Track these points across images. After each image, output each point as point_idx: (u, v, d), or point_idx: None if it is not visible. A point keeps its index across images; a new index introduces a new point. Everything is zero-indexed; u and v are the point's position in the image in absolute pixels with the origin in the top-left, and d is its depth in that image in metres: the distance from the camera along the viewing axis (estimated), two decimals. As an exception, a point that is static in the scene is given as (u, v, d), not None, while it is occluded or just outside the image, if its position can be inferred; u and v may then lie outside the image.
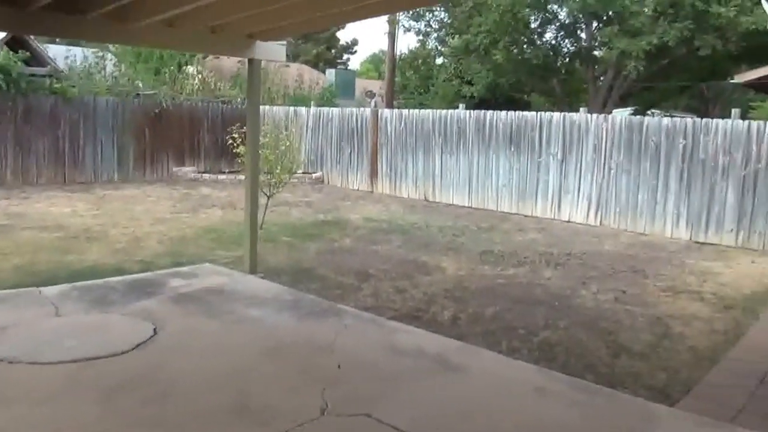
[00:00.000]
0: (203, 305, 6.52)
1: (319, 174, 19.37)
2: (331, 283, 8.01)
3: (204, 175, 19.18)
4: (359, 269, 8.77)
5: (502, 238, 11.81)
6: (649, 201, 12.92)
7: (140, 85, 20.90)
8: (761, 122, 11.82)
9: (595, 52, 25.39)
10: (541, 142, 14.51)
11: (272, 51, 7.91)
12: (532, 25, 24.31)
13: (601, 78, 25.96)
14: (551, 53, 25.34)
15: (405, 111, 17.72)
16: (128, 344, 5.23)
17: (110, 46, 22.15)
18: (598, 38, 23.88)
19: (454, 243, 11.11)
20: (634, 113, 25.60)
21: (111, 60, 21.99)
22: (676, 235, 12.54)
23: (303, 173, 18.23)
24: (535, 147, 14.61)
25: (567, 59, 26.43)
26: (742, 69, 21.72)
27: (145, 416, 4.11)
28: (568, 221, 14.01)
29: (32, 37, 18.59)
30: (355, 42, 62.96)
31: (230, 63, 26.36)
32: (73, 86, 17.73)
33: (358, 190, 18.25)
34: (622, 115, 15.27)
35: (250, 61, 7.82)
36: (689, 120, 12.71)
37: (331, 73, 37.21)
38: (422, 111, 17.46)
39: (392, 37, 30.11)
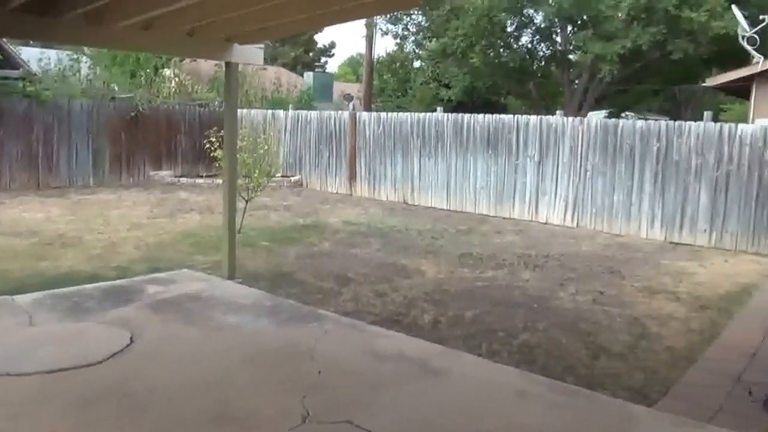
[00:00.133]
0: (181, 312, 6.48)
1: (297, 177, 19.32)
2: (310, 287, 8.01)
3: (181, 179, 19.03)
4: (339, 273, 8.78)
5: (481, 240, 11.87)
6: (625, 202, 13.04)
7: (116, 88, 20.66)
8: (732, 124, 11.99)
9: (571, 56, 25.55)
10: (518, 145, 14.59)
11: (250, 54, 7.90)
12: (509, 29, 24.43)
13: (577, 81, 26.13)
14: (527, 57, 25.49)
15: (383, 114, 17.73)
16: (104, 353, 5.17)
17: (85, 49, 21.89)
18: (573, 42, 24.04)
19: (433, 246, 11.14)
20: (609, 116, 25.90)
21: (86, 63, 21.73)
22: (651, 235, 12.67)
23: (281, 177, 18.19)
24: (512, 149, 14.69)
25: (543, 63, 26.61)
26: (713, 72, 21.99)
27: (122, 427, 4.07)
28: (546, 223, 14.10)
29: (4, 39, 18.38)
30: (332, 45, 62.95)
31: (208, 66, 26.20)
32: (47, 89, 17.50)
33: (337, 193, 18.23)
34: (597, 117, 15.41)
35: (228, 64, 7.79)
36: (663, 122, 12.85)
37: (309, 76, 37.11)
38: (400, 114, 17.47)
39: (370, 40, 30.10)
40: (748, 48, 14.70)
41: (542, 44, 25.80)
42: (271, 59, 41.59)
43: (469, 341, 6.22)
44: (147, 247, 10.05)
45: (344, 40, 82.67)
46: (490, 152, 15.06)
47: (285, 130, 19.73)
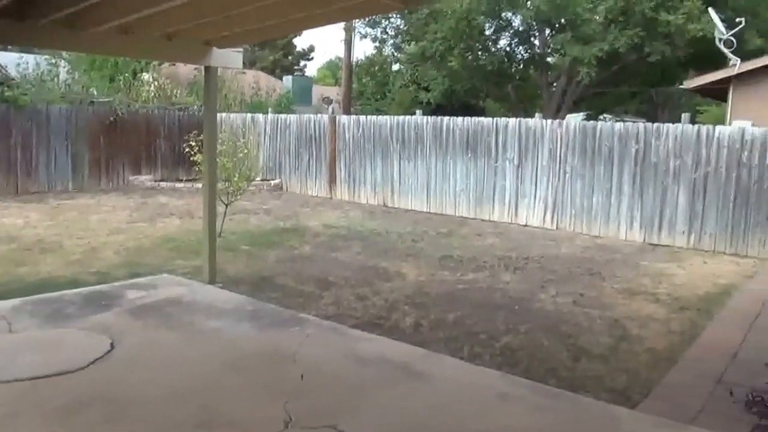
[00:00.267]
0: (162, 317, 6.44)
1: (277, 181, 19.28)
2: (291, 291, 7.98)
3: (161, 183, 18.97)
4: (320, 277, 8.76)
5: (461, 242, 11.89)
6: (604, 204, 13.12)
7: (95, 92, 20.56)
8: (710, 126, 12.10)
9: (549, 59, 25.64)
10: (497, 148, 14.64)
11: (229, 58, 7.87)
12: (487, 32, 24.46)
13: (555, 84, 26.23)
14: (506, 60, 25.53)
15: (363, 117, 17.71)
16: (85, 360, 5.12)
17: (64, 53, 21.76)
18: (551, 45, 24.13)
19: (414, 248, 11.15)
20: (587, 118, 26.03)
21: (64, 67, 21.60)
22: (630, 237, 12.75)
23: (261, 180, 18.14)
24: (491, 152, 14.73)
25: (521, 66, 26.66)
26: (689, 74, 22.14)
27: (104, 435, 4.03)
28: (525, 225, 14.15)
29: (-18, 44, 18.26)
30: (311, 49, 62.96)
31: (186, 70, 26.06)
32: (25, 94, 17.32)
33: (317, 196, 18.21)
34: (575, 120, 15.48)
35: (207, 68, 7.76)
36: (641, 124, 12.94)
37: (288, 79, 37.07)
38: (380, 117, 17.48)
39: (348, 44, 30.08)
40: (725, 51, 14.83)
41: (520, 47, 25.84)
42: (249, 63, 41.49)
43: (451, 344, 6.22)
44: (127, 252, 9.98)
45: (323, 43, 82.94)
46: (469, 155, 15.10)
47: (264, 134, 19.68)
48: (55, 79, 20.15)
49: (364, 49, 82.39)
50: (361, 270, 9.32)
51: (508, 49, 25.60)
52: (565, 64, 22.81)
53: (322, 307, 7.37)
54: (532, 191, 14.14)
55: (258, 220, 13.56)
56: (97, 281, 8.05)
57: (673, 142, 12.17)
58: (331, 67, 64.66)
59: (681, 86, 19.68)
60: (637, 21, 20.12)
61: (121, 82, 21.68)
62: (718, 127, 11.95)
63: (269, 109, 21.71)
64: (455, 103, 28.49)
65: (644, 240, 12.57)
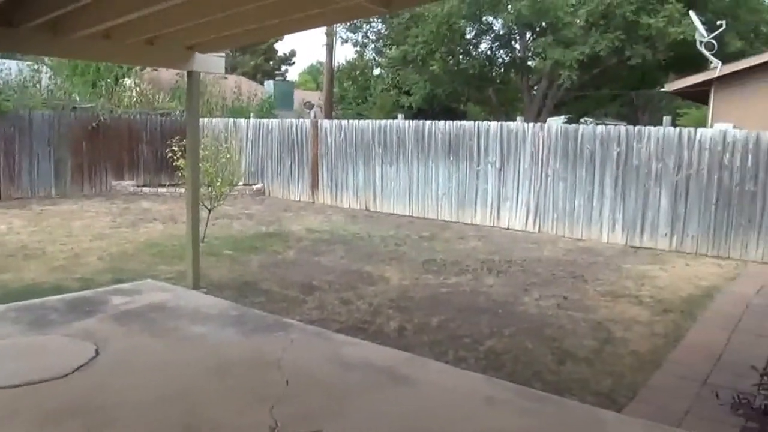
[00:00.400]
0: (146, 323, 6.38)
1: (260, 186, 19.22)
2: (275, 296, 7.94)
3: (144, 188, 18.91)
4: (303, 281, 8.73)
5: (444, 246, 11.88)
6: (586, 207, 13.15)
7: (77, 98, 20.46)
8: (692, 129, 12.16)
9: (530, 62, 25.74)
10: (479, 151, 14.65)
11: (211, 63, 7.83)
12: (468, 36, 24.54)
13: (536, 87, 26.34)
14: (487, 63, 25.62)
15: (345, 122, 17.69)
16: (69, 367, 5.06)
17: (46, 59, 21.65)
18: (532, 49, 24.23)
19: (397, 252, 11.13)
20: (568, 121, 26.07)
21: (46, 73, 21.49)
22: (613, 240, 12.79)
23: (243, 185, 18.08)
24: (473, 156, 14.75)
25: (502, 69, 26.76)
26: (670, 77, 22.29)
27: (88, 442, 3.98)
28: (508, 228, 14.17)
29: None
30: (293, 53, 62.99)
31: (168, 75, 26.01)
32: (8, 100, 17.22)
33: (299, 201, 18.16)
34: (556, 123, 15.51)
35: (189, 73, 7.71)
36: (623, 127, 12.99)
37: (269, 84, 36.99)
38: (362, 121, 17.46)
39: (330, 48, 30.09)
40: (706, 53, 14.92)
41: (501, 51, 25.95)
42: (231, 68, 41.41)
43: (436, 348, 6.20)
44: (110, 258, 9.91)
45: (304, 48, 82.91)
46: (451, 159, 15.10)
47: (246, 139, 19.62)
48: (38, 85, 20.06)
49: (345, 53, 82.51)
50: (344, 274, 9.29)
51: (489, 52, 25.71)
52: (546, 67, 22.91)
53: (306, 311, 7.33)
54: (514, 194, 14.16)
55: (241, 225, 13.51)
56: (80, 287, 7.97)
57: (655, 145, 12.23)
58: (313, 71, 64.78)
59: (662, 89, 19.80)
60: (617, 24, 20.25)
61: (103, 88, 21.57)
62: (700, 130, 12.01)
63: (251, 114, 21.66)
64: (436, 107, 28.57)
65: (626, 242, 12.62)
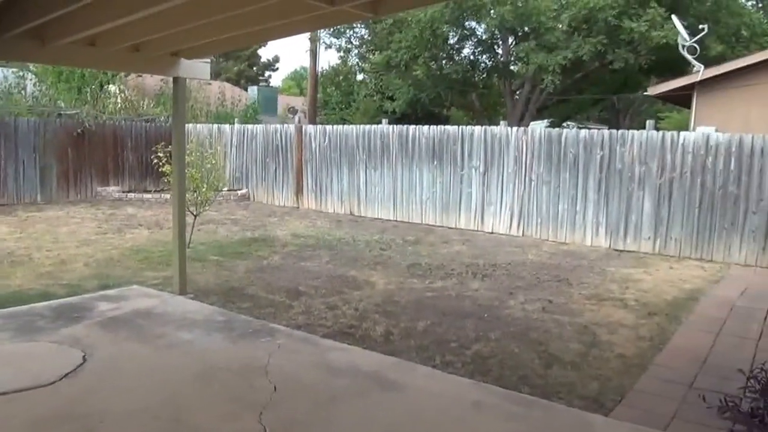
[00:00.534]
0: (133, 329, 6.35)
1: (244, 191, 19.20)
2: (262, 301, 7.92)
3: (129, 194, 18.89)
4: (289, 287, 8.71)
5: (429, 250, 11.89)
6: (570, 211, 13.20)
7: (62, 104, 20.44)
8: (675, 132, 12.22)
9: (512, 67, 25.82)
10: (463, 156, 14.68)
11: (197, 69, 7.80)
12: (451, 41, 24.59)
13: (518, 92, 26.43)
14: (470, 68, 25.68)
15: (329, 127, 17.69)
16: (56, 374, 5.03)
17: (31, 66, 21.59)
18: (515, 53, 24.32)
19: (382, 257, 11.13)
20: (551, 125, 26.22)
21: (31, 80, 21.43)
22: (596, 243, 12.85)
23: (228, 191, 18.06)
24: (457, 160, 14.78)
25: (485, 74, 26.83)
26: (651, 81, 22.44)
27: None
28: (492, 232, 14.20)
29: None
30: (276, 59, 63.00)
31: (153, 81, 26.01)
32: (-7, 106, 17.21)
33: (284, 206, 18.15)
34: (539, 127, 15.58)
35: (175, 79, 7.69)
36: (606, 131, 13.04)
37: (253, 90, 37.02)
38: (346, 126, 17.47)
39: (314, 54, 30.11)
40: (689, 57, 15.02)
41: (484, 56, 26.02)
42: (215, 74, 41.31)
43: (423, 353, 6.20)
44: (97, 264, 9.85)
45: (288, 54, 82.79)
46: (435, 163, 15.13)
47: (231, 144, 19.59)
48: (23, 91, 20.03)
49: (328, 58, 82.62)
50: (330, 279, 9.28)
51: (472, 57, 25.77)
52: (529, 72, 22.99)
53: (292, 317, 7.31)
54: (498, 199, 14.20)
55: (226, 230, 13.47)
56: (67, 293, 7.93)
57: (638, 149, 12.29)
58: (296, 77, 64.80)
59: (645, 93, 19.89)
60: (600, 29, 20.35)
61: (88, 94, 21.54)
62: (683, 133, 12.08)
63: (235, 120, 21.65)
64: (420, 111, 28.61)
65: (610, 246, 12.67)
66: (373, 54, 27.14)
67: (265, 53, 61.57)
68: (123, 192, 19.08)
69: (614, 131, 12.91)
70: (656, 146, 12.11)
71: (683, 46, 15.32)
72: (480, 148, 14.42)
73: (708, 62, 15.36)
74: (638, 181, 12.34)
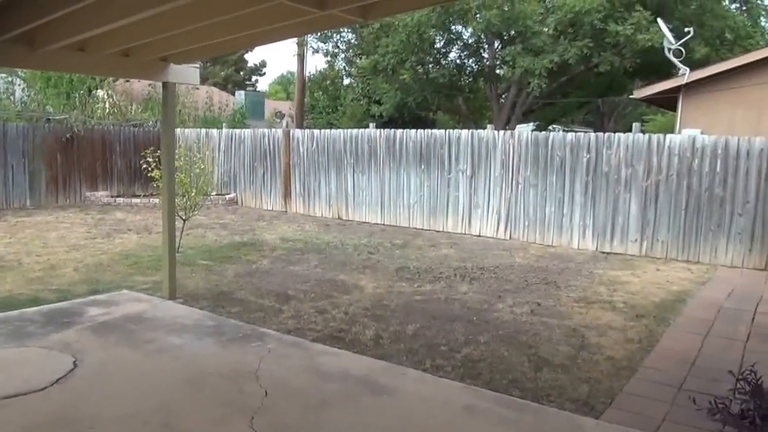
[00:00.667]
0: (123, 334, 6.34)
1: (232, 195, 19.19)
2: (251, 306, 7.90)
3: (118, 199, 18.86)
4: (279, 291, 8.70)
5: (417, 254, 11.90)
6: (556, 214, 13.25)
7: (51, 109, 20.41)
8: (661, 135, 12.29)
9: (498, 71, 25.87)
10: (450, 159, 14.71)
11: (186, 74, 7.80)
12: (437, 45, 24.62)
13: (504, 95, 26.47)
14: (456, 72, 25.70)
15: (316, 131, 17.69)
16: (47, 380, 5.03)
17: (19, 71, 21.54)
18: (501, 57, 24.36)
19: (370, 260, 11.13)
20: (537, 128, 26.30)
21: (20, 85, 21.37)
22: (583, 246, 12.90)
23: (216, 195, 18.01)
24: (444, 164, 14.81)
25: (471, 78, 26.86)
26: (636, 84, 22.51)
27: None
28: (479, 235, 14.24)
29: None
30: (263, 64, 62.91)
31: (141, 86, 25.99)
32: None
33: (272, 210, 18.15)
34: (525, 130, 15.62)
35: (165, 84, 7.68)
36: (592, 134, 13.09)
37: (240, 94, 36.97)
38: (333, 131, 17.46)
39: (301, 58, 30.09)
40: (675, 60, 15.09)
41: (470, 59, 26.05)
42: (202, 79, 41.22)
43: (413, 356, 6.20)
44: (86, 269, 9.82)
45: (275, 59, 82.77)
46: (422, 167, 15.15)
47: (219, 149, 19.56)
48: (12, 97, 19.98)
49: (315, 63, 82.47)
50: (319, 283, 9.28)
51: (458, 61, 25.78)
52: (515, 75, 23.03)
53: (282, 321, 7.30)
54: (485, 202, 14.24)
55: (215, 234, 13.45)
56: (57, 298, 7.91)
57: (625, 152, 12.35)
58: (283, 82, 64.82)
59: (630, 96, 19.97)
60: (586, 32, 20.40)
61: (76, 100, 21.53)
62: (669, 136, 12.15)
63: (223, 124, 21.64)
64: (407, 115, 28.60)
65: (597, 248, 12.73)
66: (360, 58, 27.12)
67: (252, 58, 61.81)
68: (112, 197, 19.07)
69: (601, 134, 12.96)
70: (642, 149, 12.18)
71: (669, 49, 15.40)
72: (467, 152, 14.45)
73: (692, 65, 15.45)
74: (625, 184, 12.40)
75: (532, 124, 29.68)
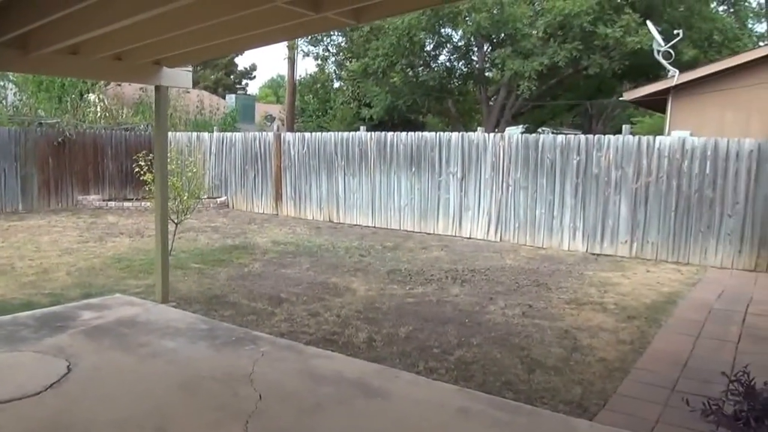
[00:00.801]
0: (117, 338, 6.33)
1: (223, 199, 19.19)
2: (244, 309, 7.90)
3: (109, 203, 18.85)
4: (271, 294, 8.70)
5: (408, 256, 11.92)
6: (547, 216, 13.29)
7: (42, 113, 20.40)
8: (650, 137, 12.34)
9: (488, 73, 25.92)
10: (440, 162, 14.74)
11: (179, 77, 7.80)
12: (427, 48, 24.67)
13: (494, 98, 26.53)
14: (446, 75, 25.75)
15: (307, 134, 17.70)
16: (41, 384, 5.01)
17: (11, 75, 21.50)
18: (490, 60, 24.41)
19: (362, 263, 11.14)
20: (526, 131, 26.35)
21: (12, 89, 21.32)
22: (573, 247, 12.94)
23: (207, 198, 18.01)
24: (435, 166, 14.84)
25: (461, 81, 26.91)
26: (624, 86, 22.62)
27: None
28: (470, 238, 14.27)
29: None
30: (253, 67, 62.92)
31: (131, 90, 25.99)
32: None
33: (263, 213, 18.15)
34: (515, 133, 15.67)
35: (157, 88, 7.68)
36: (582, 136, 13.13)
37: (231, 98, 37.01)
38: (324, 134, 17.48)
39: (292, 61, 30.11)
40: (664, 62, 15.15)
41: (460, 62, 26.10)
42: (192, 82, 41.26)
43: (406, 359, 6.21)
44: (79, 273, 9.81)
45: (264, 62, 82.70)
46: (413, 170, 15.17)
47: (210, 152, 19.56)
48: (3, 101, 19.92)
49: (305, 66, 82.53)
50: (311, 286, 9.28)
51: (448, 64, 25.83)
52: (504, 78, 23.09)
53: (275, 324, 7.30)
54: (475, 204, 14.27)
55: (207, 238, 13.44)
56: (50, 303, 7.90)
57: (615, 154, 12.40)
58: (273, 85, 64.85)
59: (621, 98, 20.04)
60: (575, 35, 20.47)
61: (68, 104, 21.52)
62: (659, 138, 12.20)
63: (214, 128, 21.63)
64: (396, 118, 28.64)
65: (587, 250, 12.77)
66: (351, 61, 27.15)
67: (242, 62, 61.62)
68: (103, 200, 19.07)
69: (591, 136, 13.01)
70: (632, 151, 12.23)
71: (658, 51, 15.46)
72: (457, 155, 14.48)
73: (681, 67, 15.51)
74: (615, 186, 12.45)
75: (521, 126, 29.72)
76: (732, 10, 26.39)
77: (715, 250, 11.61)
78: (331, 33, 26.07)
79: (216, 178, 19.44)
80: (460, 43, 24.74)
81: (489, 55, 24.25)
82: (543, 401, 5.20)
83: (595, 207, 12.68)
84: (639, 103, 18.98)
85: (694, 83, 14.19)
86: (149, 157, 9.09)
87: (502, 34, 22.32)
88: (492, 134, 14.46)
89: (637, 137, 12.41)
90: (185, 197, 11.40)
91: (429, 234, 14.79)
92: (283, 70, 30.50)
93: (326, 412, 4.70)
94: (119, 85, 24.28)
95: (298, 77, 32.89)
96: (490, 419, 4.65)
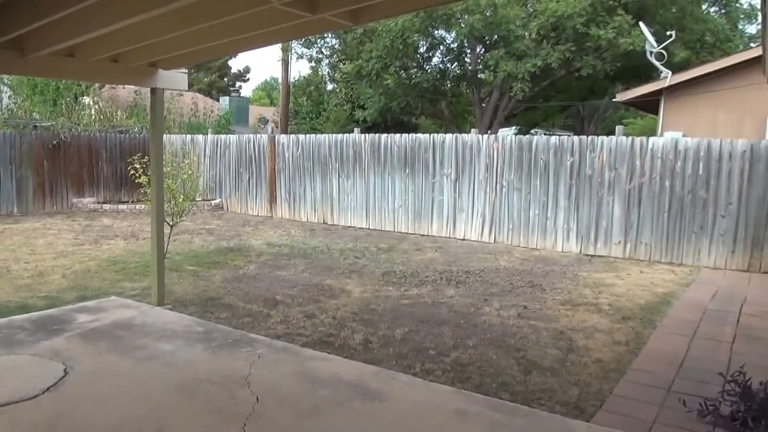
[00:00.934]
0: (113, 341, 6.32)
1: (218, 201, 19.18)
2: (240, 311, 7.90)
3: (104, 205, 18.83)
4: (267, 296, 8.70)
5: (402, 258, 11.93)
6: (541, 217, 13.32)
7: (37, 116, 20.39)
8: (643, 138, 12.37)
9: (481, 75, 25.97)
10: (434, 163, 14.76)
11: (174, 80, 7.78)
12: (421, 50, 24.72)
13: (487, 99, 26.59)
14: (439, 77, 25.81)
15: (302, 136, 17.69)
16: (38, 387, 5.01)
17: (5, 78, 21.46)
18: (483, 61, 24.47)
19: (357, 265, 11.14)
20: (519, 132, 26.43)
21: (6, 92, 21.29)
22: (567, 248, 12.97)
23: (202, 200, 17.99)
24: (429, 168, 14.85)
25: (454, 82, 26.97)
26: (617, 88, 22.70)
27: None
28: (464, 239, 14.29)
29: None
30: (247, 70, 62.97)
31: (126, 93, 25.99)
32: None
33: (257, 215, 18.15)
34: (508, 134, 15.70)
35: (153, 90, 7.67)
36: (576, 138, 13.16)
37: (225, 100, 36.98)
38: (318, 136, 17.47)
39: (285, 64, 30.11)
40: (657, 63, 15.21)
41: (453, 64, 26.16)
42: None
43: (402, 361, 6.21)
44: (75, 275, 9.79)
45: (258, 64, 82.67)
46: (407, 171, 15.19)
47: (204, 155, 19.55)
48: (-2, 104, 19.97)
49: (299, 69, 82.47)
50: (306, 288, 9.28)
51: (441, 66, 25.89)
52: (497, 80, 23.15)
53: (271, 326, 7.30)
54: (469, 206, 14.29)
55: (201, 240, 13.43)
56: (46, 305, 7.88)
57: (608, 155, 12.43)
58: (266, 87, 64.87)
59: (614, 99, 20.11)
60: (568, 36, 20.54)
61: (63, 106, 21.50)
62: (652, 139, 12.23)
63: (208, 130, 21.62)
64: (390, 120, 28.68)
65: (581, 251, 12.80)
66: (344, 63, 27.19)
67: (236, 64, 61.71)
68: (98, 203, 19.05)
69: (584, 138, 13.03)
70: (626, 152, 12.26)
71: (651, 53, 15.53)
72: (451, 156, 14.51)
73: (673, 68, 15.59)
74: (608, 187, 12.48)
75: (514, 127, 29.81)
76: (723, 11, 26.51)
77: (708, 250, 11.65)
78: (325, 35, 26.08)
79: (210, 180, 19.43)
80: (453, 45, 24.81)
81: (482, 57, 24.32)
82: (540, 402, 5.22)
83: (589, 208, 12.71)
84: (632, 104, 19.07)
85: (687, 84, 14.26)
86: (144, 160, 9.08)
87: (495, 36, 22.39)
88: (486, 136, 14.47)
89: (630, 138, 12.43)
90: (180, 199, 11.39)
91: (423, 235, 14.80)
92: (277, 72, 30.52)
93: (324, 415, 4.70)
94: (114, 87, 24.26)
95: (291, 79, 32.92)
96: (487, 420, 4.66)
